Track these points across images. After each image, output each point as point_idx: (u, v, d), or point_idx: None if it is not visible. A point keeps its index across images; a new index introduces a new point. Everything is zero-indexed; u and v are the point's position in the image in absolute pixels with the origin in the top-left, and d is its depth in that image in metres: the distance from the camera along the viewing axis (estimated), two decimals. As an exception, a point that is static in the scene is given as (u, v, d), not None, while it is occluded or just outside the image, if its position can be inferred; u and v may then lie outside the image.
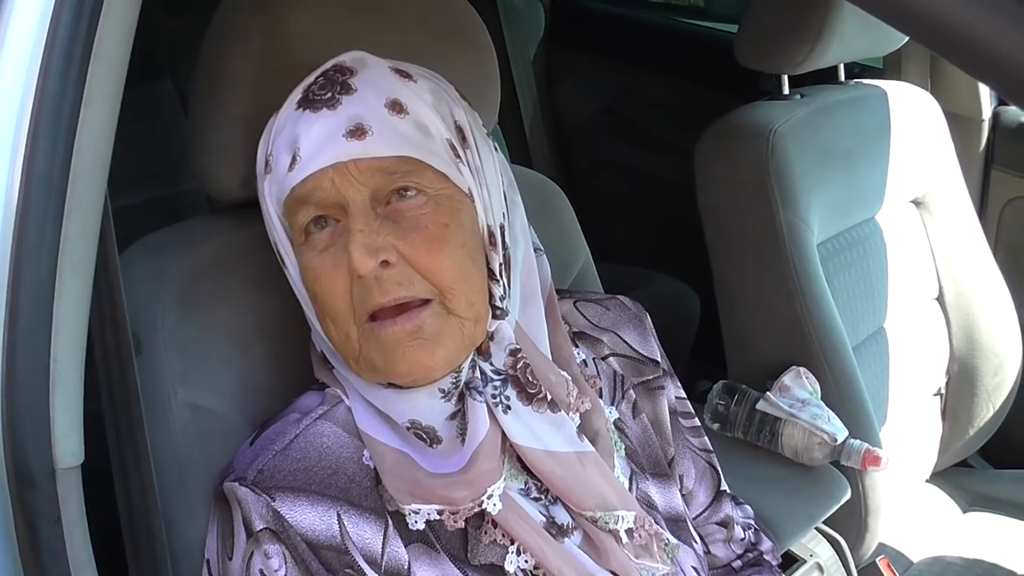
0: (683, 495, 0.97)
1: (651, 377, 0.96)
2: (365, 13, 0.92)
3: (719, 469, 1.03)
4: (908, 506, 1.59)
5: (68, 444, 0.69)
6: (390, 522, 0.79)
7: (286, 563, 0.76)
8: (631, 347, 0.96)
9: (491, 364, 0.80)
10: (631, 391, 0.95)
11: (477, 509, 0.78)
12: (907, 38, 1.60)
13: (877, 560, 1.41)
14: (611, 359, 0.95)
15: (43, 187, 0.65)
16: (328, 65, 0.80)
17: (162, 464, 0.84)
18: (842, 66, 1.60)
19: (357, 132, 0.75)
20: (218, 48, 0.89)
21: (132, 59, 0.70)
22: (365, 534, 0.78)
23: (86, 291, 0.70)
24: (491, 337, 0.81)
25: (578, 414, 0.84)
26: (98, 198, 0.68)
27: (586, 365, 0.92)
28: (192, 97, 0.92)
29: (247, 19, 0.88)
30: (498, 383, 0.80)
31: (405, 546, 0.79)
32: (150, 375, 0.84)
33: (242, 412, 0.88)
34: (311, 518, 0.76)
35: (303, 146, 0.76)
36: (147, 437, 0.81)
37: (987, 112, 1.80)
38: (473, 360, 0.80)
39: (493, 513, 0.78)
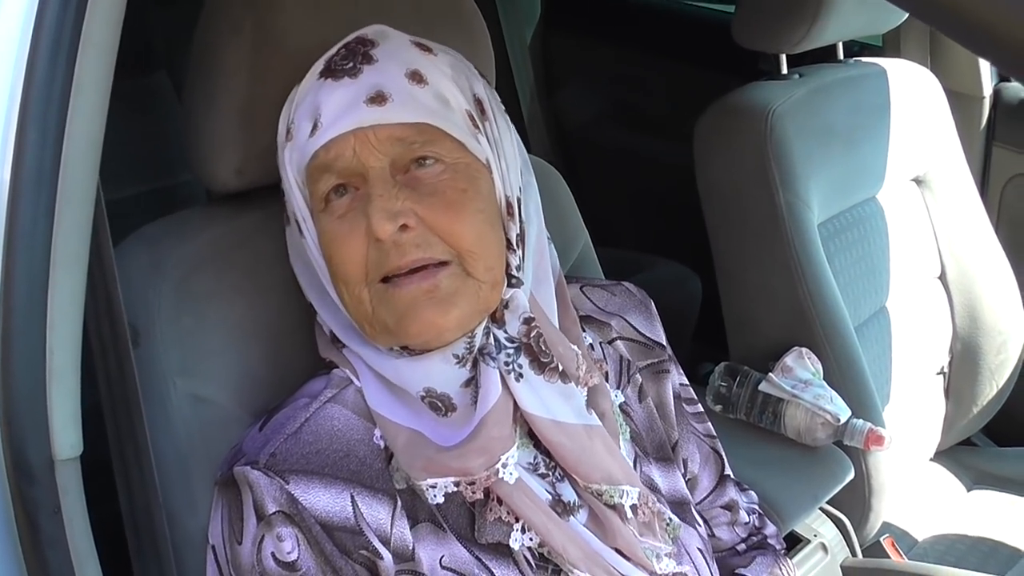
0: (687, 480, 0.97)
1: (657, 360, 0.97)
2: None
3: (723, 454, 1.03)
4: (912, 485, 1.58)
5: (66, 436, 0.68)
6: (398, 503, 0.79)
7: (299, 545, 0.76)
8: (638, 331, 0.97)
9: (505, 332, 0.81)
10: (637, 375, 0.95)
11: (494, 479, 0.78)
12: (906, 15, 1.59)
13: (881, 539, 1.42)
14: (618, 343, 0.95)
15: (34, 178, 0.65)
16: (350, 37, 0.82)
17: (162, 455, 0.84)
18: (840, 44, 1.59)
19: (378, 99, 0.77)
20: (210, 39, 0.89)
21: (126, 50, 0.70)
22: (379, 515, 0.78)
23: (81, 283, 0.69)
24: (506, 305, 0.82)
25: (586, 388, 0.84)
26: (90, 189, 0.68)
27: (592, 349, 0.92)
28: (185, 88, 0.92)
29: (239, 9, 0.88)
30: (511, 351, 0.80)
31: (411, 527, 0.79)
32: (149, 367, 0.84)
33: (242, 402, 0.88)
34: (325, 500, 0.77)
35: (324, 112, 0.78)
36: (147, 429, 0.81)
37: (988, 89, 1.79)
38: (487, 327, 0.81)
39: (510, 482, 0.79)
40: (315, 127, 0.78)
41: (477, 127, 0.81)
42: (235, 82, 0.87)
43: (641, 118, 2.20)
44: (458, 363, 0.80)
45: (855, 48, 1.80)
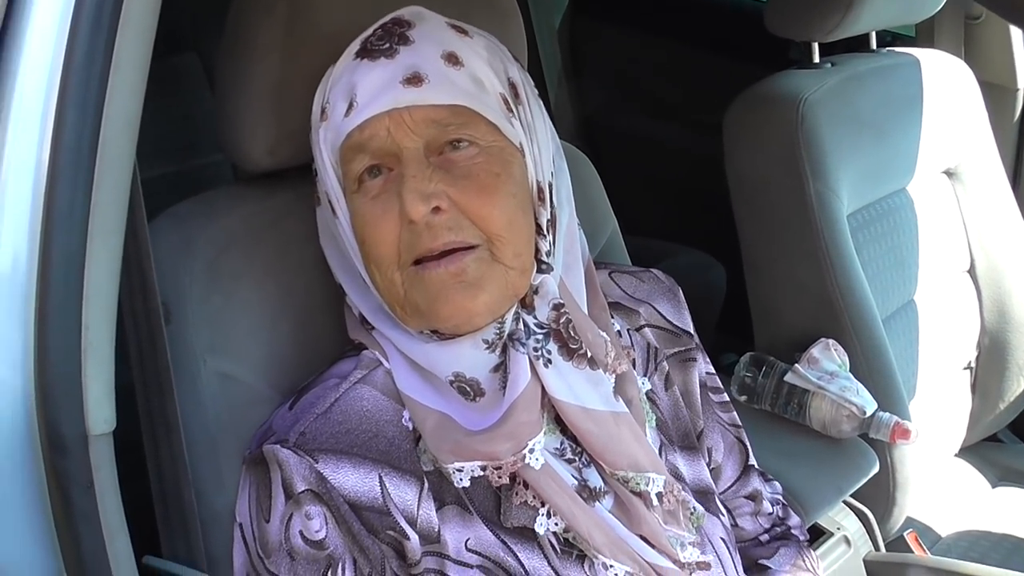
0: (711, 469, 0.97)
1: (684, 348, 0.97)
2: (390, -20, 0.91)
3: (748, 444, 1.03)
4: (937, 480, 1.58)
5: (100, 411, 0.69)
6: (425, 484, 0.80)
7: (327, 523, 0.77)
8: (666, 318, 0.97)
9: (534, 317, 0.81)
10: (664, 363, 0.95)
11: (520, 464, 0.78)
12: (940, 5, 1.57)
13: (905, 534, 1.41)
14: (646, 330, 0.95)
15: (72, 156, 0.65)
16: (386, 18, 0.82)
17: (192, 433, 0.84)
18: (874, 34, 1.57)
19: (414, 80, 0.77)
20: (243, 19, 0.89)
21: (157, 31, 0.70)
22: (406, 496, 0.79)
23: (116, 260, 0.70)
24: (535, 291, 0.82)
25: (614, 375, 0.84)
26: (127, 167, 0.69)
27: (620, 336, 0.92)
28: (218, 68, 0.92)
29: (272, -11, 0.88)
30: (540, 336, 0.81)
31: (437, 510, 0.80)
32: (179, 345, 0.85)
33: (270, 381, 0.89)
34: (354, 480, 0.78)
35: (360, 93, 0.78)
36: (177, 406, 0.82)
37: (1022, 81, 1.77)
38: (517, 312, 0.81)
39: (536, 467, 0.79)
40: (350, 107, 0.78)
41: (511, 110, 0.81)
42: (268, 62, 0.87)
43: (668, 106, 2.19)
44: (488, 348, 0.80)
45: (888, 38, 1.78)
